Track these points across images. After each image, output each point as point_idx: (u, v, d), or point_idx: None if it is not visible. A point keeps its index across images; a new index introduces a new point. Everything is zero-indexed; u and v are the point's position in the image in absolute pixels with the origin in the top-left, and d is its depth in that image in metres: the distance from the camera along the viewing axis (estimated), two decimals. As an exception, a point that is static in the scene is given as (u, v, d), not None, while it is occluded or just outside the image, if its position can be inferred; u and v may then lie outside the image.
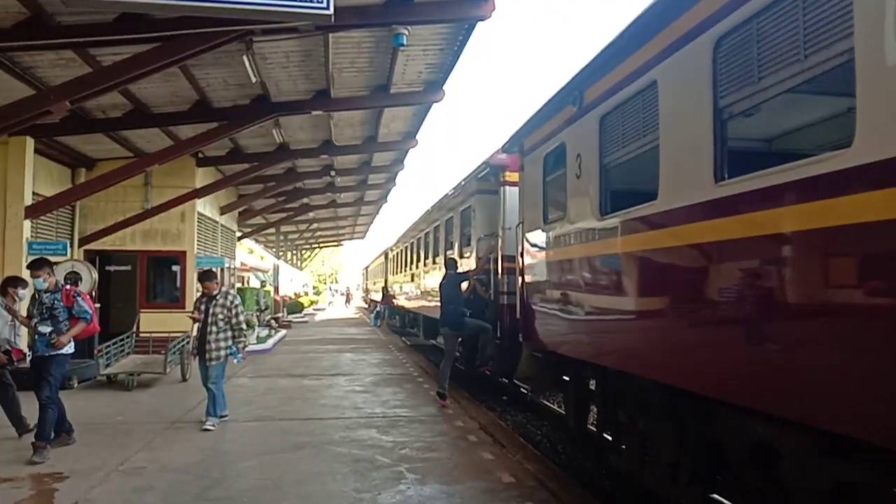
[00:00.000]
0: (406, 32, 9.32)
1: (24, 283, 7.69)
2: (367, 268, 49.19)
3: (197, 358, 8.52)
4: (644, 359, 5.02)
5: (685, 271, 4.38)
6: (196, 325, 8.72)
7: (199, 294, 8.76)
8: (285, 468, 6.33)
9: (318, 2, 5.11)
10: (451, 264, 10.74)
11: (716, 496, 5.32)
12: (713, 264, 4.06)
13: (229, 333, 8.29)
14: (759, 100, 3.67)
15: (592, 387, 6.71)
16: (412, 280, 20.49)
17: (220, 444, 7.35)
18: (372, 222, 39.04)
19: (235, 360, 8.54)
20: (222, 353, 8.24)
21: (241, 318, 8.37)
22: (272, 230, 31.90)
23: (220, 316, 8.22)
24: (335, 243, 56.22)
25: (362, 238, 48.16)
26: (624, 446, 5.80)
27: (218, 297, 8.31)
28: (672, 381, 4.58)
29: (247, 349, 9.09)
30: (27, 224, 12.11)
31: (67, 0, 5.09)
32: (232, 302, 8.32)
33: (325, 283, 75.73)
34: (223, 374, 8.43)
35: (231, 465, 6.50)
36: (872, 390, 2.88)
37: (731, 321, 3.87)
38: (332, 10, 5.18)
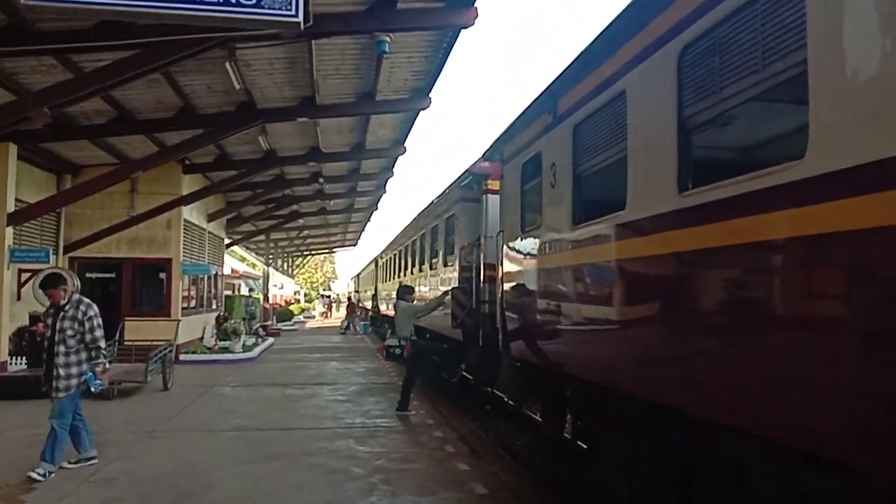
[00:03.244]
0: (388, 39, 9.33)
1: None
2: (358, 275, 49.11)
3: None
4: (613, 370, 4.99)
5: (652, 282, 4.36)
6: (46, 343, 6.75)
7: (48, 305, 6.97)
8: (259, 479, 6.27)
9: (286, 10, 5.09)
10: (403, 292, 10.85)
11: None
12: (678, 275, 4.04)
13: (83, 355, 6.59)
14: (722, 109, 3.65)
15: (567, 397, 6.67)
16: (400, 288, 20.41)
17: (195, 454, 7.28)
18: (363, 230, 39.02)
19: (93, 389, 6.69)
20: (73, 380, 6.50)
21: (98, 332, 6.59)
22: (262, 237, 31.82)
23: (70, 332, 6.49)
24: (327, 250, 56.15)
25: (354, 245, 48.05)
26: (597, 456, 5.76)
27: (67, 307, 6.57)
28: (636, 391, 4.56)
29: (107, 371, 6.87)
30: (9, 231, 12.04)
31: (38, 11, 5.03)
32: (85, 313, 6.55)
33: (317, 291, 75.47)
34: (71, 408, 6.62)
35: (204, 475, 6.43)
36: (815, 402, 2.87)
37: (692, 332, 3.85)
38: (301, 18, 5.16)
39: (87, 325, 6.54)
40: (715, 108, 3.68)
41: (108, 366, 6.72)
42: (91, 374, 6.57)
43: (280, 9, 5.07)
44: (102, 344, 6.64)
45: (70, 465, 6.58)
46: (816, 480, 3.32)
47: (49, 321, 6.64)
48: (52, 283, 6.78)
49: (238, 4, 5.04)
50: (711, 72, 3.69)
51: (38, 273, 12.00)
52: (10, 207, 12.11)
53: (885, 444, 2.54)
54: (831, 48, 2.81)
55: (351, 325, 31.19)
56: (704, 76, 3.76)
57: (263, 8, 5.05)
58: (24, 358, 12.12)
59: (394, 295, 22.11)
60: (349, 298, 32.34)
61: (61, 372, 6.47)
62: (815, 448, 3.00)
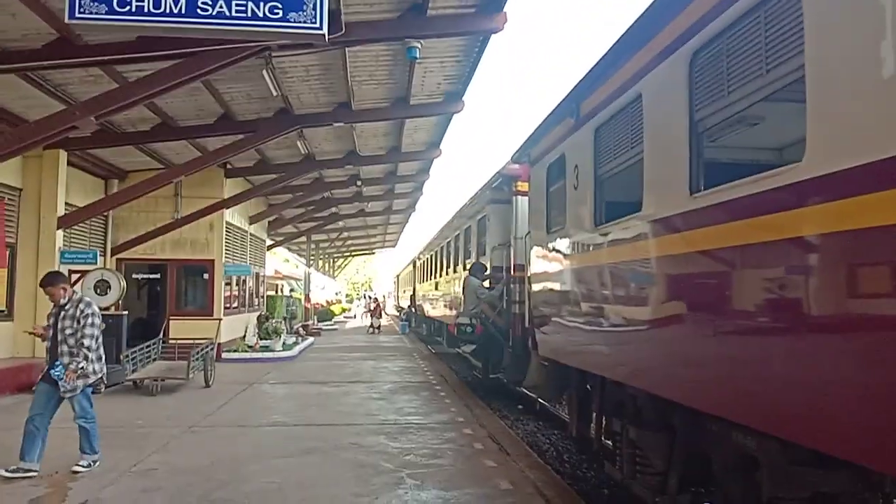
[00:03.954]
0: (419, 46, 9.49)
1: None
2: (398, 276, 49.56)
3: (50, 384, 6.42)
4: (636, 369, 5.07)
5: (670, 282, 4.44)
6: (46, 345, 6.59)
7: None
8: (291, 472, 6.50)
9: (311, 22, 5.32)
10: (475, 269, 10.97)
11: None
12: (694, 275, 4.12)
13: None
14: (730, 112, 3.74)
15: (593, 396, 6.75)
16: (436, 288, 20.66)
17: (232, 448, 7.56)
18: (402, 231, 39.40)
19: (60, 386, 6.30)
20: (79, 380, 6.37)
21: (88, 331, 6.37)
22: (303, 239, 32.40)
23: (69, 331, 6.37)
24: (367, 251, 56.72)
25: (393, 246, 48.58)
26: (619, 454, 5.84)
27: (67, 306, 6.45)
28: (658, 391, 4.63)
29: (82, 376, 6.38)
30: (60, 234, 12.60)
31: (83, 28, 5.36)
32: (82, 312, 6.39)
33: (357, 292, 76.24)
34: (88, 403, 6.56)
35: (239, 468, 6.69)
36: (833, 404, 2.92)
37: (711, 333, 3.92)
38: (325, 31, 5.38)
39: (80, 322, 6.36)
40: (723, 112, 3.76)
41: (83, 366, 6.30)
42: (62, 368, 6.26)
43: (305, 22, 5.29)
44: (87, 343, 6.36)
45: (5, 473, 6.13)
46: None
47: (51, 321, 6.50)
48: (50, 281, 6.59)
49: (265, 18, 5.28)
50: (720, 76, 3.77)
51: (87, 274, 12.55)
52: (61, 211, 12.67)
53: None
54: (827, 55, 2.88)
55: (374, 325, 31.28)
56: (714, 80, 3.84)
57: (289, 21, 5.29)
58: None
59: (430, 295, 22.49)
60: (375, 300, 33.11)
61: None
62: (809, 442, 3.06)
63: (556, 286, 6.96)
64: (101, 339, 6.64)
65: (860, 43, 2.71)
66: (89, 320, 6.40)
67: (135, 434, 8.19)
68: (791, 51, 3.10)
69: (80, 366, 6.32)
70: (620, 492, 6.48)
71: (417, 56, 9.57)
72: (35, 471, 6.25)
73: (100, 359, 6.58)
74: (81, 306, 6.45)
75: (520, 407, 11.76)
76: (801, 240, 3.00)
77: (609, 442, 6.39)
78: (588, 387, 6.75)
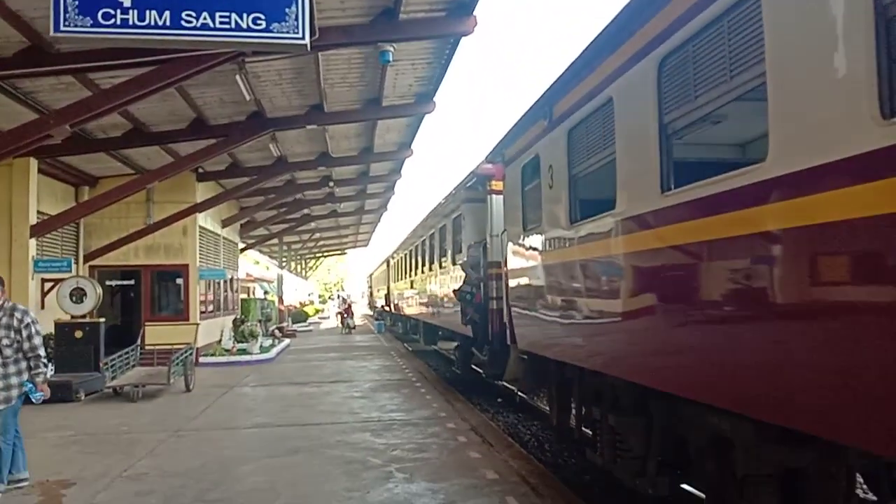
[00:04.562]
0: (392, 49, 9.67)
1: None
2: (371, 275, 49.57)
3: None
4: (613, 359, 5.32)
5: (643, 276, 4.69)
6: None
7: None
8: (281, 471, 6.65)
9: (294, 32, 5.46)
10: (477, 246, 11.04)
11: (685, 486, 5.61)
12: (665, 269, 4.37)
13: (23, 365, 6.05)
14: (698, 115, 3.99)
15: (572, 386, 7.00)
16: (412, 287, 20.83)
17: (220, 450, 7.66)
18: (374, 230, 39.50)
19: (34, 399, 6.14)
20: (13, 391, 5.94)
21: (37, 340, 6.06)
22: (275, 241, 32.31)
23: (6, 341, 5.92)
24: (339, 252, 56.60)
25: (366, 246, 48.56)
26: (599, 441, 6.10)
27: (0, 315, 6.01)
28: (635, 378, 4.88)
29: (46, 384, 6.21)
30: (32, 242, 12.50)
31: (61, 39, 5.43)
32: (21, 321, 5.99)
33: (330, 292, 75.96)
34: (13, 422, 6.09)
35: (229, 469, 6.81)
36: (797, 383, 3.19)
37: (684, 322, 4.18)
38: (307, 41, 5.52)
39: (24, 333, 5.98)
40: (690, 115, 4.02)
41: (49, 375, 6.04)
42: (31, 384, 6.04)
43: (288, 32, 5.43)
44: (42, 352, 6.10)
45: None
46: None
47: None
48: None
49: (248, 29, 5.41)
50: (687, 81, 4.02)
51: (61, 283, 12.48)
52: (33, 220, 12.57)
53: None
54: (786, 61, 3.14)
55: (346, 325, 31.46)
56: (681, 85, 4.09)
57: (272, 32, 5.41)
58: (50, 364, 12.57)
59: (406, 294, 22.64)
60: (344, 300, 33.78)
61: None
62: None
63: (534, 281, 7.20)
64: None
65: (815, 49, 2.96)
66: (33, 328, 6.07)
67: (121, 440, 8.24)
68: (753, 57, 3.35)
69: (48, 374, 6.22)
70: (602, 477, 6.74)
71: (390, 60, 9.74)
72: (26, 479, 6.22)
73: (45, 366, 6.26)
74: (18, 315, 6.02)
75: (499, 400, 12.02)
76: (766, 234, 3.25)
77: (589, 431, 6.65)
78: (567, 377, 7.00)
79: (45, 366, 6.19)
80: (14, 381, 5.97)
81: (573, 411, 7.06)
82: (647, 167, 4.40)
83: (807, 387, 3.09)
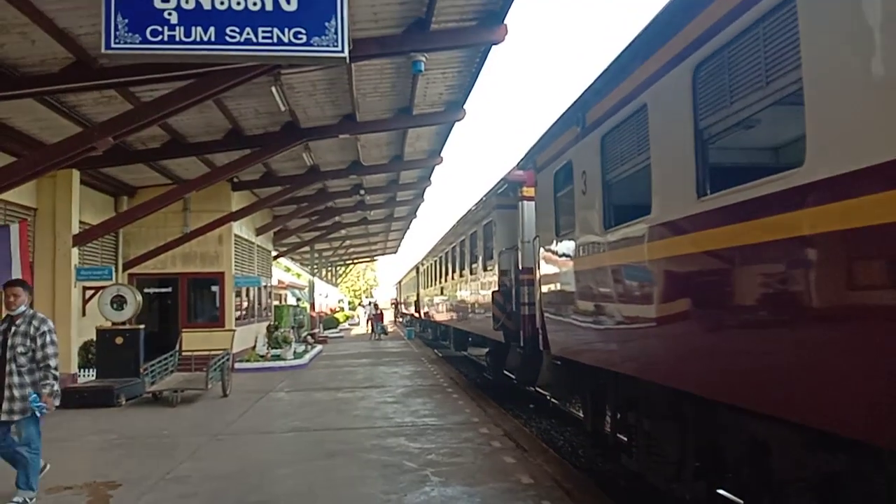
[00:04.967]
0: (424, 59, 9.80)
1: None
2: (400, 282, 49.80)
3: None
4: (648, 364, 5.35)
5: (678, 281, 4.72)
6: None
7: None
8: (319, 474, 6.78)
9: (333, 46, 5.61)
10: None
11: (721, 491, 5.59)
12: (701, 274, 4.40)
13: (38, 375, 5.83)
14: (734, 121, 4.02)
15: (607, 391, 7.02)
16: (442, 293, 20.93)
17: (258, 454, 7.82)
18: (403, 237, 39.75)
19: (37, 413, 5.76)
20: (29, 402, 5.73)
21: (50, 350, 5.82)
22: (307, 248, 32.71)
23: (21, 349, 5.76)
24: (368, 259, 57.03)
25: (395, 253, 48.89)
26: (635, 447, 6.11)
27: (19, 322, 5.85)
28: (671, 383, 4.90)
29: (55, 395, 5.84)
30: (75, 251, 12.86)
31: (112, 56, 5.65)
32: (38, 328, 5.81)
33: (359, 299, 76.44)
34: (38, 431, 5.92)
35: (269, 472, 6.96)
36: (838, 387, 3.20)
37: (723, 327, 4.20)
38: (346, 53, 5.67)
39: (38, 342, 5.79)
40: (726, 121, 4.05)
41: (56, 388, 5.82)
42: (35, 395, 5.74)
43: (328, 46, 5.58)
44: (52, 363, 5.82)
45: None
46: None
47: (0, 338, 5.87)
48: (20, 282, 6.25)
49: (290, 44, 5.57)
50: (722, 87, 4.06)
51: (103, 290, 12.83)
52: (76, 229, 12.93)
53: None
54: (823, 65, 3.17)
55: (375, 332, 31.70)
56: (717, 91, 4.13)
57: (313, 46, 5.57)
58: (92, 369, 12.92)
59: (435, 300, 22.76)
60: (376, 307, 34.16)
61: (15, 393, 5.72)
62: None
63: (567, 287, 7.23)
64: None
65: (853, 52, 2.99)
66: (48, 338, 5.84)
67: (163, 443, 8.45)
68: (790, 62, 3.39)
69: (55, 388, 5.82)
70: (637, 482, 6.74)
71: (423, 69, 9.87)
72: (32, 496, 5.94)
73: (56, 378, 5.91)
74: (35, 323, 5.86)
75: (532, 406, 12.03)
76: (803, 238, 3.28)
77: (623, 437, 6.66)
78: (601, 383, 7.02)
79: (55, 378, 5.85)
80: (30, 391, 5.76)
81: (608, 416, 7.08)
82: (682, 172, 4.44)
83: (849, 391, 3.10)
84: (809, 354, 3.32)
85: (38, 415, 5.83)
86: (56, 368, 5.89)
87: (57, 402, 5.96)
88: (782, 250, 3.48)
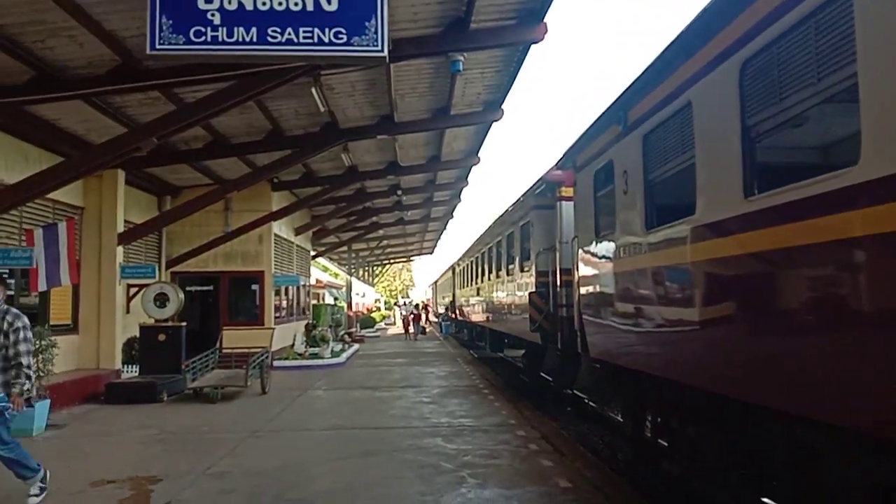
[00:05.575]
0: (462, 59, 9.77)
1: None
2: (435, 283, 49.89)
3: None
4: (692, 368, 5.23)
5: (724, 283, 4.60)
6: None
7: None
8: (357, 473, 6.79)
9: (373, 45, 5.63)
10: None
11: (765, 500, 5.44)
12: (749, 276, 4.28)
13: (11, 374, 5.53)
14: (783, 119, 3.90)
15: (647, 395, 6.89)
16: (478, 294, 20.88)
17: (297, 451, 7.88)
18: (439, 238, 39.78)
19: (6, 414, 5.44)
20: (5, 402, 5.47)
21: (23, 347, 5.54)
22: (344, 248, 32.99)
23: None
24: (405, 259, 57.31)
25: (431, 253, 49.02)
26: (677, 452, 5.99)
27: None
28: (715, 387, 4.78)
29: (26, 395, 5.60)
30: (120, 250, 13.16)
31: (156, 56, 5.75)
32: (11, 324, 5.55)
33: (395, 299, 76.86)
34: (8, 430, 5.53)
35: (307, 469, 7.00)
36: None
37: (772, 331, 4.07)
38: (386, 53, 5.68)
39: (11, 338, 5.52)
40: (775, 119, 3.93)
41: (28, 388, 5.55)
42: (4, 395, 5.44)
43: (368, 45, 5.60)
44: (25, 361, 5.54)
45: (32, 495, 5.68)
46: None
47: None
48: None
49: (330, 43, 5.60)
50: (771, 84, 3.94)
51: (146, 288, 13.09)
52: (120, 228, 13.24)
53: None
54: (880, 61, 3.05)
55: (415, 331, 31.78)
56: (765, 88, 4.01)
57: (353, 45, 5.60)
58: (135, 366, 13.19)
59: (471, 301, 22.76)
60: (417, 306, 34.30)
61: None
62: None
63: (608, 289, 7.13)
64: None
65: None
66: (21, 334, 5.57)
67: (203, 439, 8.57)
68: (844, 58, 3.27)
69: (26, 388, 5.56)
70: (678, 488, 6.61)
71: (461, 69, 9.84)
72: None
73: (28, 378, 5.66)
74: (9, 318, 5.59)
75: (569, 409, 11.90)
76: (856, 240, 3.16)
77: (664, 442, 6.53)
78: (642, 387, 6.90)
79: (28, 378, 5.58)
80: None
81: (648, 421, 6.95)
82: (728, 171, 4.33)
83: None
84: (865, 360, 3.19)
85: (7, 416, 5.48)
86: (29, 367, 5.64)
87: (46, 402, 5.81)
88: (834, 252, 3.37)
